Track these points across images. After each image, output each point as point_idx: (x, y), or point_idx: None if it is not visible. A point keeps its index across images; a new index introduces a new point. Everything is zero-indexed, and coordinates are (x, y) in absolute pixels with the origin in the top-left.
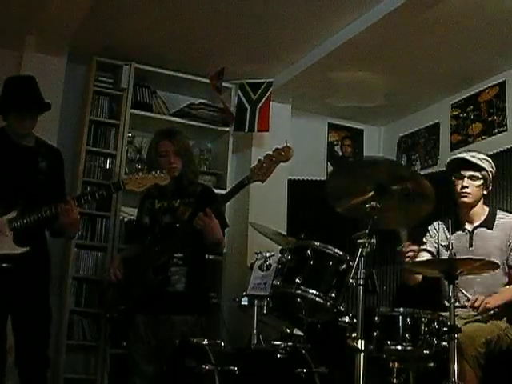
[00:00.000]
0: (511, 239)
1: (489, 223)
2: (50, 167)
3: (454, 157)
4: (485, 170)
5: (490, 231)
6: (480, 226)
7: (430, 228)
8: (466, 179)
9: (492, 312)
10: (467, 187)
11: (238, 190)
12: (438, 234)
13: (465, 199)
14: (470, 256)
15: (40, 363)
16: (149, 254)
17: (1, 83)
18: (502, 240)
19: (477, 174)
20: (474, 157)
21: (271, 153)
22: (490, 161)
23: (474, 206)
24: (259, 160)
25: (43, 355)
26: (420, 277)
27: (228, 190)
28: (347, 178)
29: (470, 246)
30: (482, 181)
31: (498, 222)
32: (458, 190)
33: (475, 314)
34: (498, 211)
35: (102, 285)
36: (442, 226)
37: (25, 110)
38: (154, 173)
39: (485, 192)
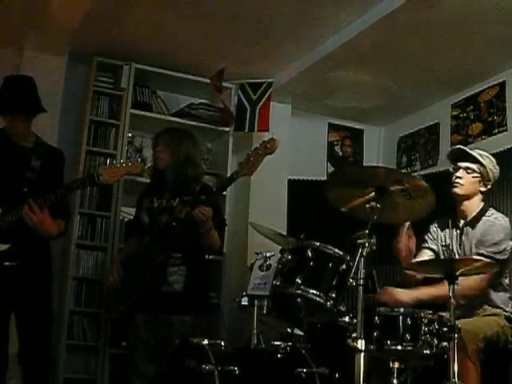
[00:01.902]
0: (484, 238)
1: (474, 222)
2: (44, 167)
3: (454, 147)
4: (483, 165)
5: (472, 230)
6: (466, 224)
7: (430, 227)
8: (461, 170)
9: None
10: (460, 178)
11: (227, 185)
12: (438, 233)
13: (455, 189)
14: (459, 254)
15: (42, 363)
16: (147, 254)
17: (0, 83)
18: (476, 239)
19: (473, 166)
20: (474, 150)
21: (258, 146)
22: (493, 160)
23: (467, 200)
24: (247, 154)
25: (45, 355)
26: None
27: (218, 185)
28: (347, 181)
29: (460, 244)
30: (478, 175)
31: (482, 221)
32: (452, 179)
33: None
34: (489, 209)
35: (103, 287)
36: (440, 227)
37: (15, 112)
38: (128, 162)
39: (481, 189)
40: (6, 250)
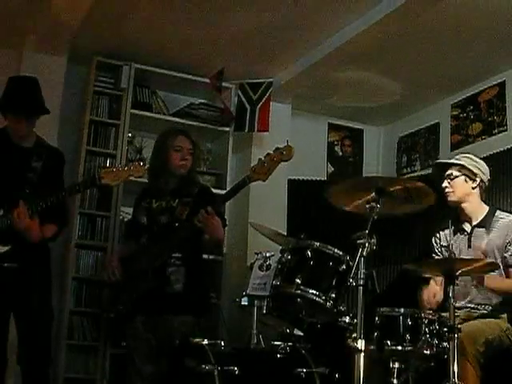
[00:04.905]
0: (508, 239)
1: (486, 223)
2: (45, 167)
3: (432, 164)
4: (461, 165)
5: (487, 231)
6: (477, 226)
7: (433, 240)
8: (445, 180)
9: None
10: (448, 186)
11: (238, 189)
12: (439, 240)
13: (449, 198)
14: (468, 257)
15: (42, 363)
16: (147, 255)
17: (1, 83)
18: (500, 240)
19: (453, 171)
20: (449, 158)
21: (272, 152)
22: (472, 157)
23: (466, 203)
24: (260, 159)
25: (45, 355)
26: (438, 299)
27: (228, 189)
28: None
29: (469, 246)
30: (460, 174)
31: (495, 221)
32: (443, 193)
33: (476, 314)
34: (497, 211)
35: (101, 284)
36: (442, 232)
37: (20, 113)
38: (130, 165)
39: (472, 185)
40: (7, 252)
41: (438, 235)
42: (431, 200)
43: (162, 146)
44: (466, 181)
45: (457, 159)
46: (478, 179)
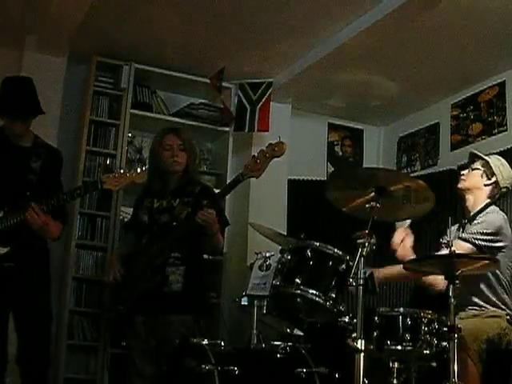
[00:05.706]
0: (472, 226)
1: (472, 218)
2: (44, 168)
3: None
4: (485, 160)
5: (469, 226)
6: (468, 220)
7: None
8: (466, 170)
9: None
10: (464, 174)
11: (232, 186)
12: (446, 236)
13: (459, 184)
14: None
15: (41, 363)
16: (147, 255)
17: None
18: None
19: (476, 164)
20: (480, 151)
21: (265, 149)
22: (502, 160)
23: (471, 195)
24: (253, 156)
25: (44, 355)
26: (441, 284)
27: (223, 186)
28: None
29: None
30: (479, 168)
31: (478, 216)
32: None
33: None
34: (490, 207)
35: (101, 285)
36: (449, 229)
37: (15, 114)
38: (132, 171)
39: (486, 182)
40: (7, 253)
41: (447, 232)
42: (430, 205)
43: (154, 148)
44: (481, 176)
45: (486, 155)
46: (494, 179)
